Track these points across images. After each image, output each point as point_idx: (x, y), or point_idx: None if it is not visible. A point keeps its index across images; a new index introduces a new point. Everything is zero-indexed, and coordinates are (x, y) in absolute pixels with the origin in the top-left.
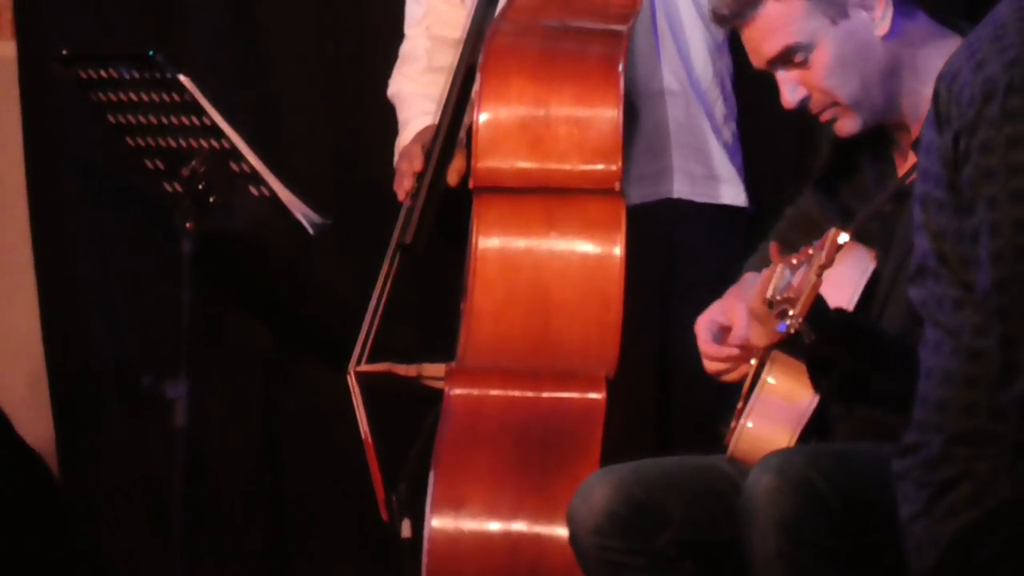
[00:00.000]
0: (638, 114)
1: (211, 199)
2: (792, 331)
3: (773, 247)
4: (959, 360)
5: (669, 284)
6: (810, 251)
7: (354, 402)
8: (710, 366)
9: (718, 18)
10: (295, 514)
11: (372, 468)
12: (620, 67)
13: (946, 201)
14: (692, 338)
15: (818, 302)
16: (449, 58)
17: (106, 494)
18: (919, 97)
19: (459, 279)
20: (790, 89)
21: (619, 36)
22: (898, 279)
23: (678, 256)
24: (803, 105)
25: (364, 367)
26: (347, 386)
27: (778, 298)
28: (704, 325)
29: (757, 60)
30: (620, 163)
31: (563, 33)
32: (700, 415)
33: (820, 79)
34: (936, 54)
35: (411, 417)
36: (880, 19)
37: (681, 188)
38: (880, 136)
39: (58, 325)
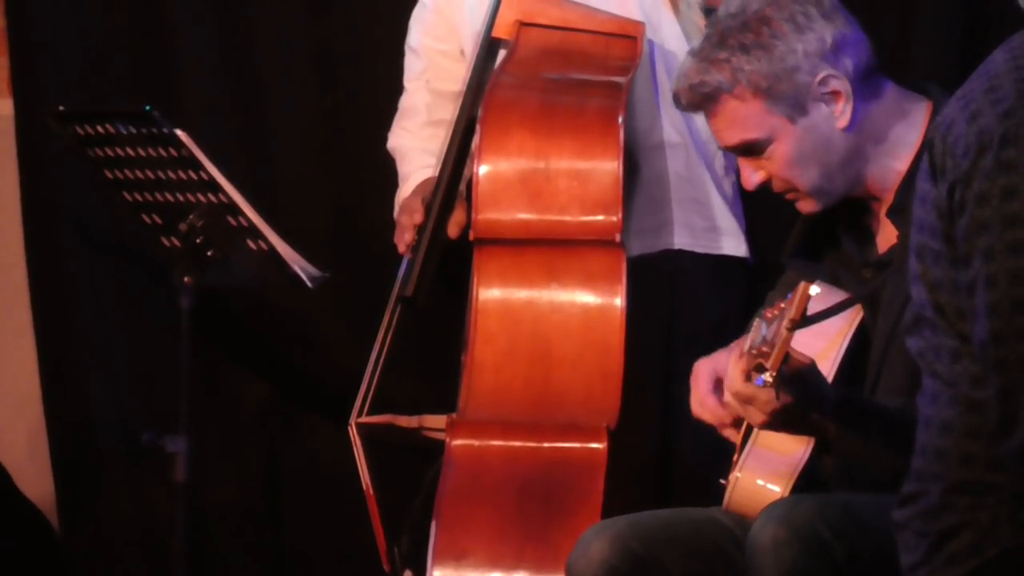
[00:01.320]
0: (639, 166)
1: (209, 253)
2: (770, 384)
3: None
4: (957, 410)
5: (671, 335)
6: (782, 304)
7: (355, 454)
8: (698, 411)
9: (677, 104)
10: (296, 567)
11: (374, 520)
12: (620, 119)
13: (942, 252)
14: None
15: (795, 365)
16: (449, 111)
17: (107, 550)
18: (887, 170)
19: (460, 331)
20: (750, 173)
21: (619, 88)
22: (890, 348)
23: (680, 307)
24: (763, 187)
25: (365, 419)
26: (349, 438)
27: (753, 352)
28: (704, 371)
29: (720, 142)
30: (620, 214)
31: (563, 85)
32: (702, 467)
33: (779, 170)
34: (904, 125)
35: (413, 469)
36: (840, 113)
37: (682, 239)
38: (853, 207)
39: (57, 381)
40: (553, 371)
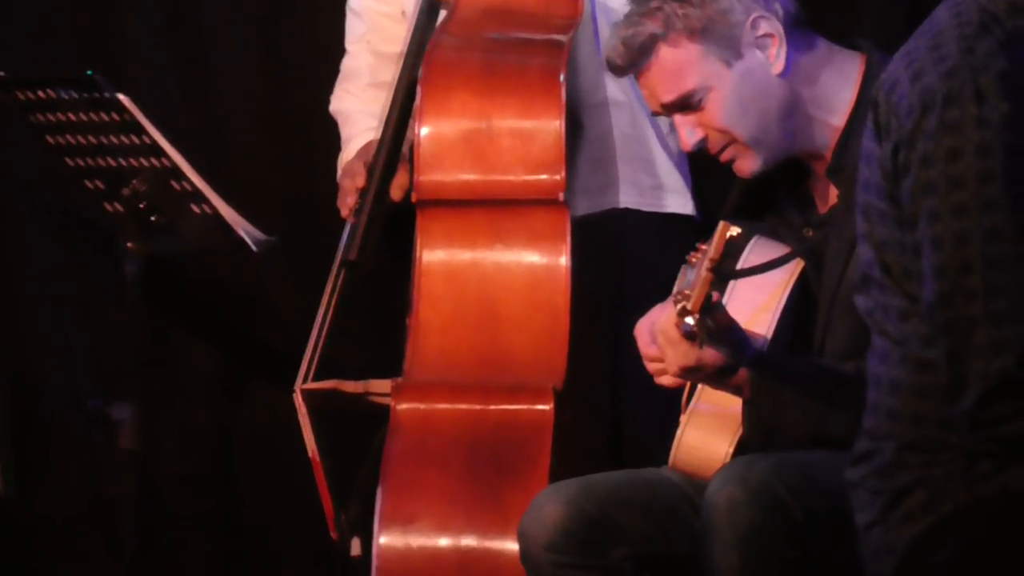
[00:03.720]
0: (582, 125)
1: (153, 219)
2: (694, 328)
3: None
4: (907, 370)
5: (619, 294)
6: (704, 247)
7: (301, 421)
8: (651, 367)
9: (612, 68)
10: (246, 534)
11: (320, 487)
12: (561, 77)
13: (887, 212)
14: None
15: (721, 318)
16: (392, 73)
17: (57, 517)
18: (824, 126)
19: (405, 295)
20: (687, 132)
21: (560, 46)
22: (834, 306)
23: (627, 266)
24: (701, 147)
25: (311, 385)
26: (294, 405)
27: (679, 297)
28: (645, 327)
29: (653, 104)
30: (563, 173)
31: (504, 45)
32: (652, 427)
33: (717, 120)
34: (838, 80)
35: (360, 435)
36: (775, 58)
37: (628, 198)
38: (793, 170)
39: (4, 348)
40: (499, 332)
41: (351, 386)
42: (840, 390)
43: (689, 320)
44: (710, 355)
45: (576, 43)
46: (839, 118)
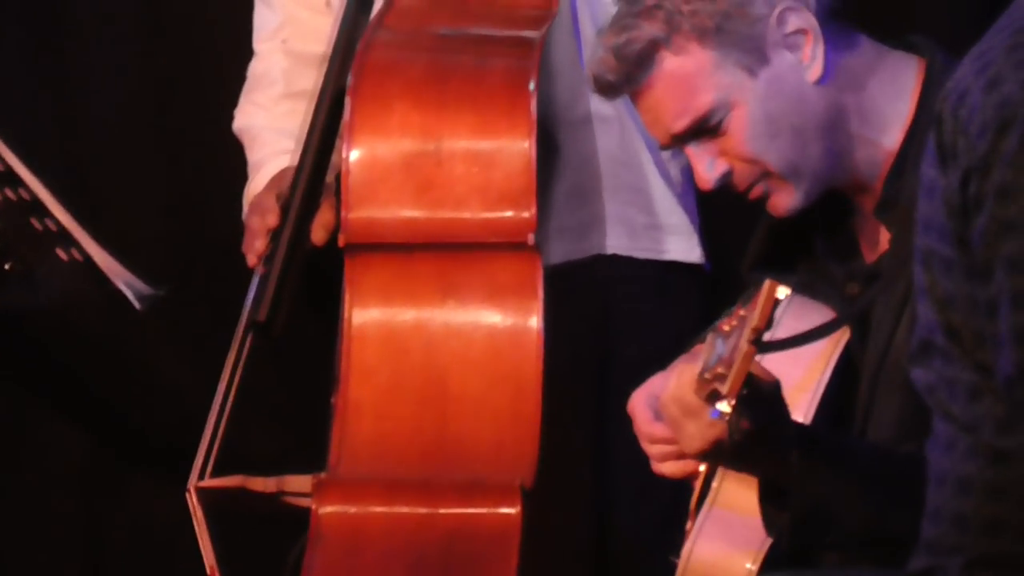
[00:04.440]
0: (558, 146)
1: (7, 266)
2: (728, 416)
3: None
4: (979, 464)
5: (606, 365)
6: (742, 312)
7: (196, 526)
8: (652, 450)
9: (600, 87)
10: None
11: None
12: (531, 85)
13: (954, 260)
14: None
15: (757, 383)
16: (312, 80)
17: None
18: (875, 149)
19: (330, 366)
20: (707, 165)
21: (530, 46)
22: (878, 383)
23: (616, 328)
24: (725, 182)
25: (209, 481)
26: (187, 506)
27: (707, 375)
28: (642, 400)
29: (659, 134)
30: (534, 209)
31: (457, 43)
32: (648, 532)
33: (743, 146)
34: (890, 89)
35: (272, 545)
36: (810, 59)
37: (617, 242)
38: (833, 207)
39: None
40: (451, 414)
41: (260, 483)
42: (904, 476)
43: (723, 406)
44: (742, 425)
45: (551, 41)
46: (892, 139)
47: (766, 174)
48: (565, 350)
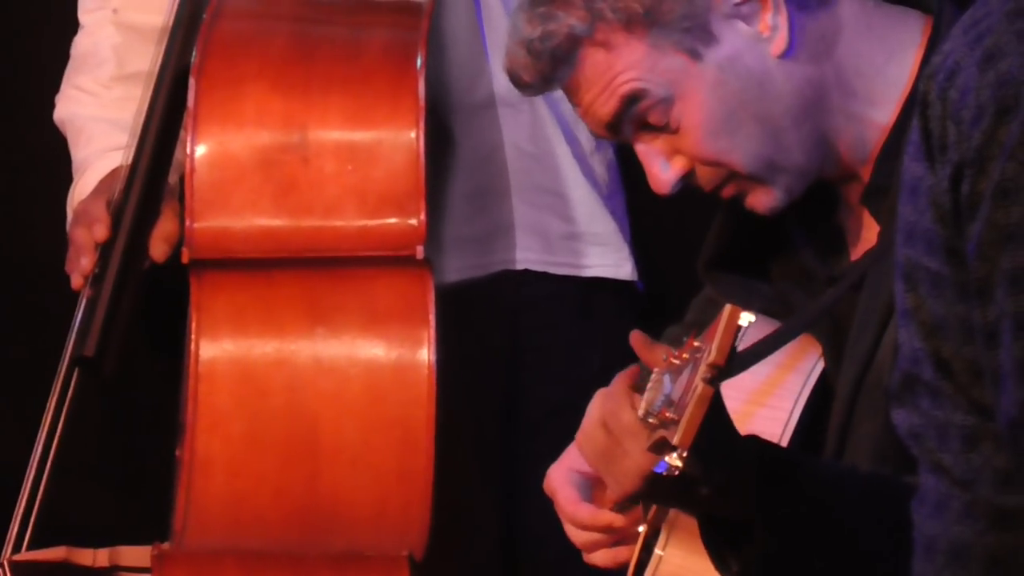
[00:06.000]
0: (454, 138)
1: None
2: (677, 472)
3: (636, 337)
4: (977, 526)
5: (515, 404)
6: (696, 343)
7: None
8: (580, 538)
9: (519, 86)
10: None
11: None
12: (419, 61)
13: (944, 275)
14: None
15: (713, 423)
16: (150, 59)
17: None
18: (863, 124)
19: (174, 411)
20: (660, 166)
21: (416, 12)
22: (858, 403)
23: (527, 362)
24: (685, 184)
25: (26, 555)
26: None
27: (652, 420)
28: (562, 476)
29: (597, 128)
30: (423, 216)
31: (326, 11)
32: None
33: (699, 147)
34: (879, 51)
35: None
36: (770, 29)
37: (528, 254)
38: (813, 188)
39: None
40: (322, 470)
41: (89, 556)
42: (890, 517)
43: (673, 459)
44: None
45: (444, 8)
46: (885, 112)
47: (734, 175)
48: (464, 389)
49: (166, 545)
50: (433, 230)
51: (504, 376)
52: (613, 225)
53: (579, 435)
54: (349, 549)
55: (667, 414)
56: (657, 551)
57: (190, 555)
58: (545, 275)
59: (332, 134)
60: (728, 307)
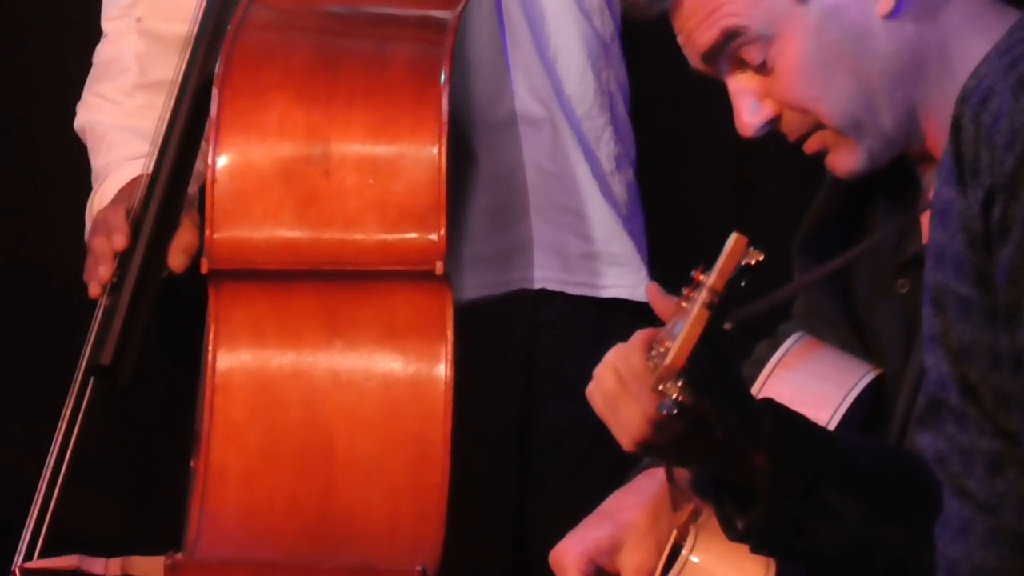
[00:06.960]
0: (475, 155)
1: None
2: (679, 399)
3: (651, 288)
4: (1001, 552)
5: (531, 423)
6: (702, 277)
7: None
8: None
9: (631, 7)
10: None
11: None
12: (443, 77)
13: (973, 300)
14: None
15: (712, 354)
16: (172, 67)
17: None
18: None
19: (190, 421)
20: (749, 107)
21: (441, 28)
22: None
23: (543, 381)
24: (769, 130)
25: (37, 563)
26: None
27: (653, 355)
28: (576, 557)
29: (692, 56)
30: (444, 231)
31: (351, 24)
32: None
33: (790, 91)
34: (984, 39)
35: None
36: None
37: (546, 273)
38: (901, 173)
39: None
40: (337, 483)
41: (101, 565)
42: (906, 475)
43: (668, 387)
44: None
45: (469, 25)
46: None
47: (820, 126)
48: (480, 406)
49: (179, 555)
50: (453, 246)
51: (519, 394)
52: (631, 245)
53: (591, 384)
54: (362, 563)
55: (666, 344)
56: (684, 555)
57: (203, 565)
58: (562, 295)
59: (354, 147)
60: (734, 235)
